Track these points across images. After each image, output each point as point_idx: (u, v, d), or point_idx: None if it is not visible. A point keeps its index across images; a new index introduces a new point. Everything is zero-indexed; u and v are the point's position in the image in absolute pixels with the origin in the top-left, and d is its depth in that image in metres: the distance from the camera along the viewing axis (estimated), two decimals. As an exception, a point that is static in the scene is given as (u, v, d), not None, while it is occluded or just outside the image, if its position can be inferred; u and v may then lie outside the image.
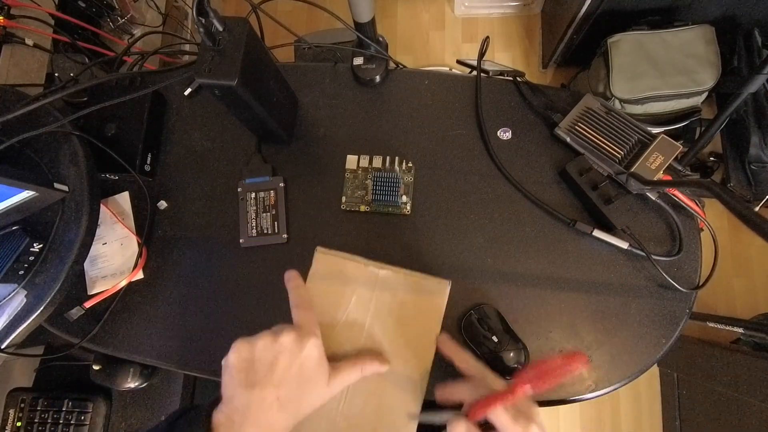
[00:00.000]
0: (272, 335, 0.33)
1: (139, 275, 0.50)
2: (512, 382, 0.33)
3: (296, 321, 0.36)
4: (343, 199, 0.50)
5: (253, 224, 0.50)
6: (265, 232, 0.50)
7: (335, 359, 0.37)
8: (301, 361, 0.33)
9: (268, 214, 0.50)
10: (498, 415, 0.32)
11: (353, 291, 0.42)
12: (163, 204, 0.52)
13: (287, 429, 0.33)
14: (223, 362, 0.33)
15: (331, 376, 0.35)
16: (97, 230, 0.48)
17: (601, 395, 0.44)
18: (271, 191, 0.50)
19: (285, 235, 0.49)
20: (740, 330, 0.97)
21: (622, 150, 0.47)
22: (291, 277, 0.39)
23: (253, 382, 0.31)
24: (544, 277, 0.47)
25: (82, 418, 0.61)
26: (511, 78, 0.54)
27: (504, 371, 0.42)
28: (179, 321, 0.49)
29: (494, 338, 0.43)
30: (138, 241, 0.51)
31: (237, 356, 0.32)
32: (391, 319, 0.41)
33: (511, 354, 0.42)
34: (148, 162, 0.52)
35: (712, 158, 1.22)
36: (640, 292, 0.46)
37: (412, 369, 0.40)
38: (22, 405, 0.63)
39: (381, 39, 0.52)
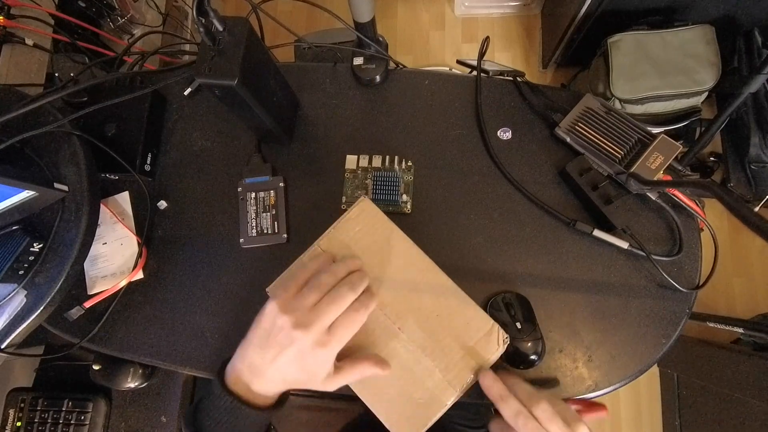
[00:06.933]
0: (294, 321, 0.33)
1: (139, 275, 0.50)
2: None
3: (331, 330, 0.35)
4: (344, 198, 0.50)
5: (253, 224, 0.50)
6: (265, 232, 0.50)
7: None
8: (307, 357, 0.34)
9: (268, 214, 0.50)
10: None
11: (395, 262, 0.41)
12: (163, 204, 0.52)
13: (290, 385, 0.37)
14: (258, 315, 0.36)
15: (329, 376, 0.35)
16: (97, 230, 0.48)
17: (601, 395, 0.44)
18: (271, 191, 0.50)
19: (285, 235, 0.49)
20: (740, 330, 0.97)
21: (622, 150, 0.47)
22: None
23: (265, 346, 0.35)
24: (544, 277, 0.47)
25: (82, 418, 0.61)
26: (511, 78, 0.53)
27: (520, 360, 0.43)
28: (179, 321, 0.49)
29: (517, 325, 0.43)
30: (138, 241, 0.51)
31: (265, 318, 0.35)
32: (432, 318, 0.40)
33: (529, 344, 0.43)
34: (148, 162, 0.52)
35: (712, 158, 1.22)
36: (640, 292, 0.46)
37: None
38: (22, 405, 0.63)
39: (381, 39, 0.52)
